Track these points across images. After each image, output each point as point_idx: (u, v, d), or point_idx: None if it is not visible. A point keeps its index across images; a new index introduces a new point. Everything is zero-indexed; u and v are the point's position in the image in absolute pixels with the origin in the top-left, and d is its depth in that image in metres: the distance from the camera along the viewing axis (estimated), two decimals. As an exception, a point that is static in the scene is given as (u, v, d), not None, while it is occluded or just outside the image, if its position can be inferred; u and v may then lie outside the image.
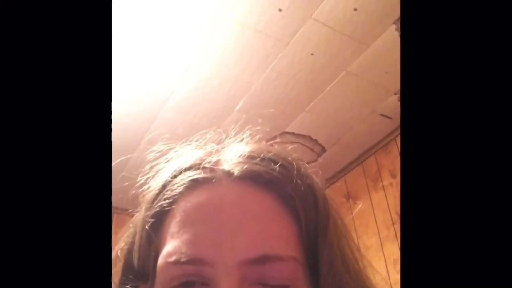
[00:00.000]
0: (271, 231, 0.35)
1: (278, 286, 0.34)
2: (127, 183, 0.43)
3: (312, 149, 2.12)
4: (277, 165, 0.38)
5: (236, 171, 0.38)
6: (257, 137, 0.44)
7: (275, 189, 0.37)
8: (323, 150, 2.15)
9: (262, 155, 0.39)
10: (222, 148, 0.42)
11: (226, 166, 0.39)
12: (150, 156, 0.44)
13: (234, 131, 0.44)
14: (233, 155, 0.40)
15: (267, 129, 1.88)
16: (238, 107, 1.87)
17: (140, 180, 0.43)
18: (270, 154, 0.39)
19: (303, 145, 2.08)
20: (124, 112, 1.83)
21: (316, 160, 2.18)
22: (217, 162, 0.40)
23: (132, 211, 0.43)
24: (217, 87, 1.77)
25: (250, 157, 0.39)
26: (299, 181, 0.37)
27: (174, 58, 1.64)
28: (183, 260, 0.34)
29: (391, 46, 1.64)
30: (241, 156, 0.39)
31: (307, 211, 0.37)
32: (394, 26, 1.58)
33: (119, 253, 0.42)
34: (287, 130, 2.01)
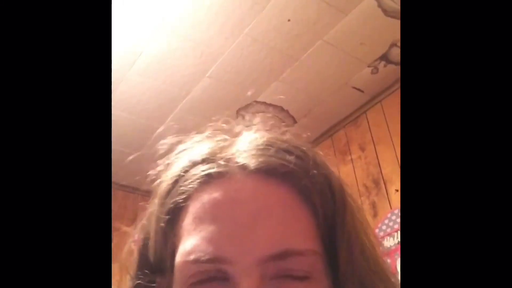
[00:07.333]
0: (289, 226, 0.35)
1: (297, 277, 0.34)
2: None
3: (282, 120, 2.09)
4: (293, 156, 0.37)
5: (251, 164, 0.37)
6: (269, 124, 0.43)
7: (291, 181, 0.37)
8: (294, 121, 2.13)
9: (276, 145, 0.38)
10: (235, 137, 0.42)
11: (240, 159, 0.38)
12: (161, 149, 0.44)
13: (245, 117, 0.44)
14: (246, 146, 0.39)
15: (249, 94, 1.84)
16: (209, 73, 1.80)
17: (152, 173, 0.43)
18: (285, 145, 0.38)
19: (274, 115, 2.04)
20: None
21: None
22: (230, 155, 0.39)
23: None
24: (188, 50, 1.69)
25: (265, 149, 0.38)
26: (315, 171, 0.37)
27: (143, 15, 1.54)
28: (202, 259, 0.34)
29: (368, 15, 1.62)
30: (255, 147, 0.38)
31: (324, 202, 0.37)
32: (373, -5, 1.55)
33: (132, 246, 0.42)
34: (258, 99, 1.97)
